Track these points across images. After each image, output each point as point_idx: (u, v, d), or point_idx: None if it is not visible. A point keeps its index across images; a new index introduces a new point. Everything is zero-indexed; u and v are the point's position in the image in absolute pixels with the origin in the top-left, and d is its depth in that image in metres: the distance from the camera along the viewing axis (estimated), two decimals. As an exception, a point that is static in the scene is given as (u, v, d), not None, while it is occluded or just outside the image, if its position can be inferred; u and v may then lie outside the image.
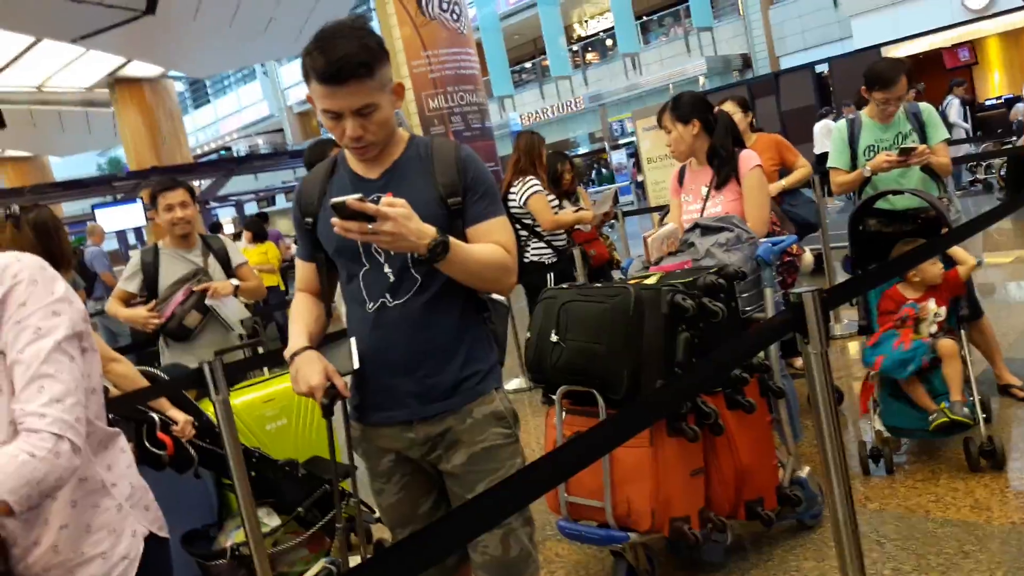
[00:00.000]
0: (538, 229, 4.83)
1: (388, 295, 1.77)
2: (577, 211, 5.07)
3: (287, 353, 1.81)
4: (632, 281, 2.65)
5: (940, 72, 16.86)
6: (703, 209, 3.22)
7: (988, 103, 16.30)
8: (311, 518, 2.97)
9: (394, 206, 1.57)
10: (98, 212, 15.04)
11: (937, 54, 17.86)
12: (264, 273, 8.06)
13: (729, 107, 4.40)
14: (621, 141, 25.26)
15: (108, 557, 1.32)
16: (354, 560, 2.77)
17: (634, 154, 20.32)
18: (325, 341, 1.91)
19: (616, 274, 5.30)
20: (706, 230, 3.00)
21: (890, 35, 17.11)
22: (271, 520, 2.94)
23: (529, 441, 4.23)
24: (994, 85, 18.25)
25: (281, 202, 26.58)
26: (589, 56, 28.61)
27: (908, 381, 3.09)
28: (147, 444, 2.68)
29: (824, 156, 4.51)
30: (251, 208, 22.70)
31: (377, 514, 2.27)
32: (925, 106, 3.70)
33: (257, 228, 9.24)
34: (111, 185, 18.10)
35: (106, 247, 10.59)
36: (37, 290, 1.26)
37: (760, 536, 2.81)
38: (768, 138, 4.73)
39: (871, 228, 3.46)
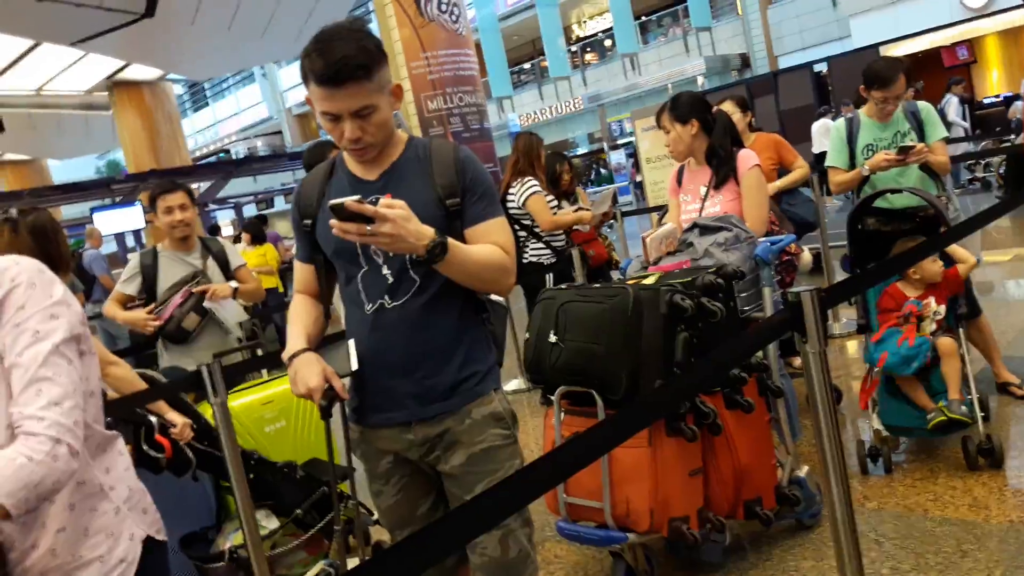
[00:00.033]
0: (537, 230, 4.83)
1: (387, 296, 1.77)
2: (576, 211, 5.07)
3: (285, 355, 1.81)
4: (631, 281, 2.65)
5: (939, 71, 16.87)
6: (702, 209, 3.23)
7: (987, 101, 16.32)
8: (310, 520, 2.97)
9: (393, 207, 1.57)
10: (96, 215, 15.04)
11: (936, 53, 17.87)
12: (263, 275, 8.06)
13: (728, 107, 4.41)
14: (620, 141, 25.27)
15: (106, 560, 1.32)
16: (353, 562, 2.77)
17: (633, 154, 20.34)
18: (324, 343, 1.91)
19: (615, 274, 5.30)
20: (705, 230, 3.00)
21: (889, 34, 17.12)
22: (269, 522, 2.94)
23: (528, 442, 4.23)
24: (993, 83, 18.27)
25: (280, 204, 26.58)
26: (588, 57, 28.63)
27: (906, 380, 3.09)
28: (145, 447, 2.68)
29: (823, 155, 4.50)
30: (250, 210, 22.68)
31: (376, 516, 2.27)
32: (923, 105, 3.71)
33: (256, 230, 9.24)
34: (109, 188, 18.10)
35: (105, 250, 10.59)
36: (35, 293, 1.26)
37: (759, 536, 2.81)
38: (767, 138, 4.73)
39: (870, 227, 3.46)
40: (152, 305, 3.44)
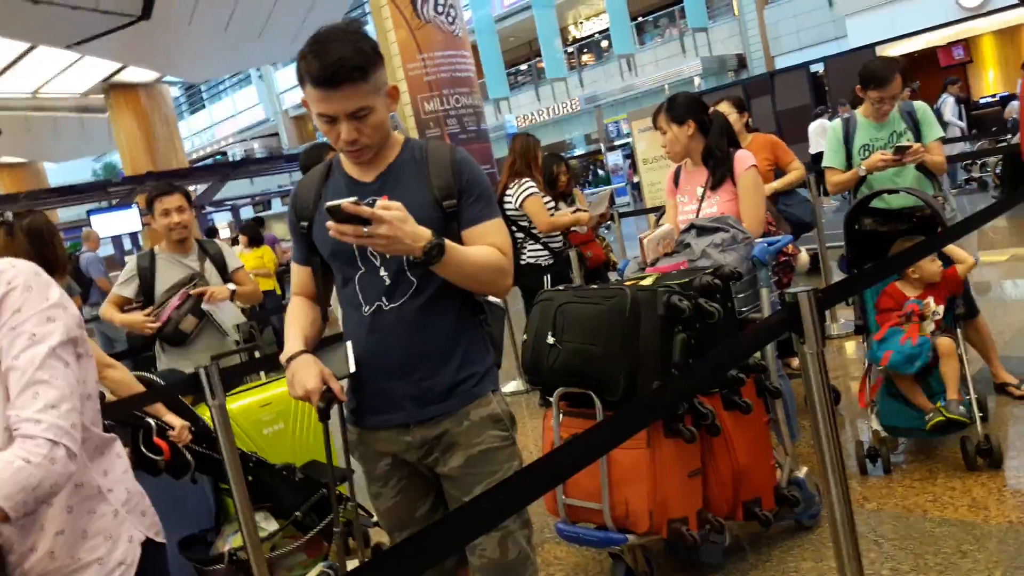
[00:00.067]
0: (534, 231, 4.83)
1: (384, 298, 1.77)
2: (574, 213, 5.07)
3: (283, 357, 1.81)
4: (628, 282, 2.65)
5: (935, 70, 16.90)
6: (699, 210, 3.23)
7: (983, 101, 16.36)
8: (309, 522, 2.96)
9: (389, 209, 1.57)
10: (93, 218, 15.03)
11: (932, 52, 17.91)
12: (260, 277, 8.05)
13: (724, 108, 4.41)
14: (617, 142, 25.29)
15: (104, 563, 1.32)
16: (352, 564, 2.76)
17: (630, 155, 20.36)
18: (321, 345, 1.91)
19: (612, 275, 5.31)
20: (702, 231, 3.00)
21: (885, 34, 17.16)
22: (269, 525, 2.94)
23: (527, 443, 4.23)
24: (989, 83, 18.30)
25: (277, 206, 26.56)
26: (584, 58, 28.65)
27: (904, 380, 3.09)
28: (143, 449, 2.68)
29: (819, 155, 4.51)
30: (247, 212, 22.67)
31: (375, 518, 2.27)
32: (920, 105, 3.71)
33: (253, 232, 9.24)
34: (106, 191, 18.09)
35: (102, 253, 10.57)
36: (31, 296, 1.26)
37: (758, 537, 2.81)
38: (763, 138, 4.74)
39: (867, 227, 3.47)
40: (150, 308, 3.44)
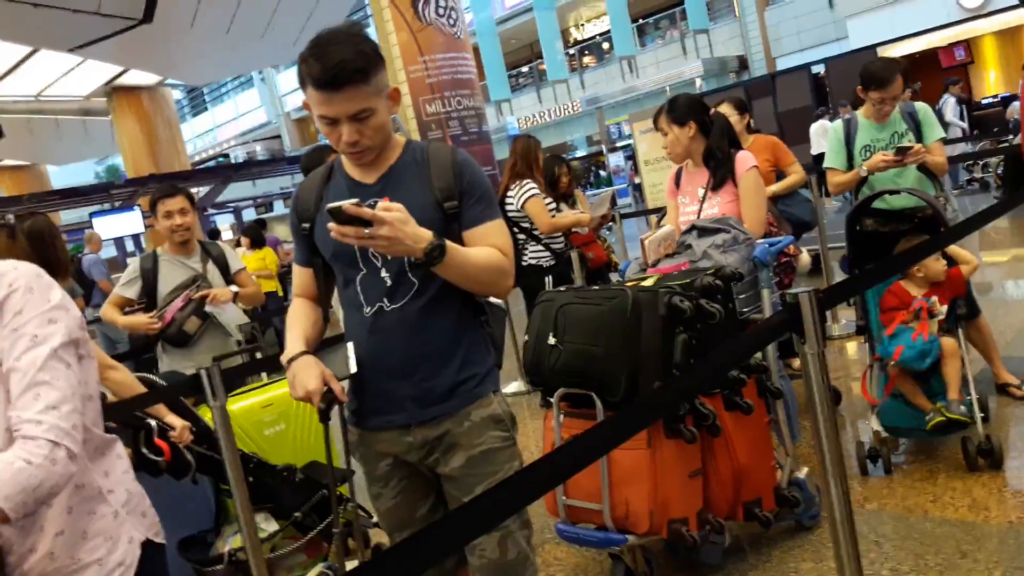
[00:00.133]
0: (536, 232, 4.84)
1: (385, 299, 1.77)
2: (575, 214, 5.07)
3: (284, 358, 1.81)
4: (630, 283, 2.65)
5: (936, 71, 16.91)
6: (700, 211, 3.23)
7: (984, 102, 16.35)
8: (309, 523, 2.96)
9: (390, 210, 1.57)
10: (96, 220, 15.02)
11: (933, 53, 17.91)
12: (262, 279, 8.07)
13: (725, 109, 4.41)
14: (618, 144, 25.31)
15: (104, 564, 1.32)
16: (352, 564, 2.77)
17: (631, 156, 20.36)
18: (322, 346, 1.92)
19: (614, 276, 5.31)
20: (703, 232, 3.00)
21: (886, 35, 17.16)
22: (269, 525, 2.94)
23: (528, 444, 4.23)
24: (990, 84, 18.30)
25: (279, 208, 26.58)
26: (586, 59, 28.67)
27: (905, 380, 3.09)
28: (144, 450, 2.68)
29: (821, 156, 4.51)
30: (249, 214, 22.69)
31: (375, 518, 2.27)
32: (921, 105, 3.71)
33: (255, 234, 9.25)
34: (109, 193, 18.10)
35: (104, 255, 10.59)
36: (33, 298, 1.26)
37: (758, 537, 2.81)
38: (764, 139, 4.74)
39: (868, 228, 3.46)
40: (153, 312, 3.44)
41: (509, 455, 1.82)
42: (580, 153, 29.01)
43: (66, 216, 23.45)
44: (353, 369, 1.79)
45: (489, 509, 1.23)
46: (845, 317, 5.35)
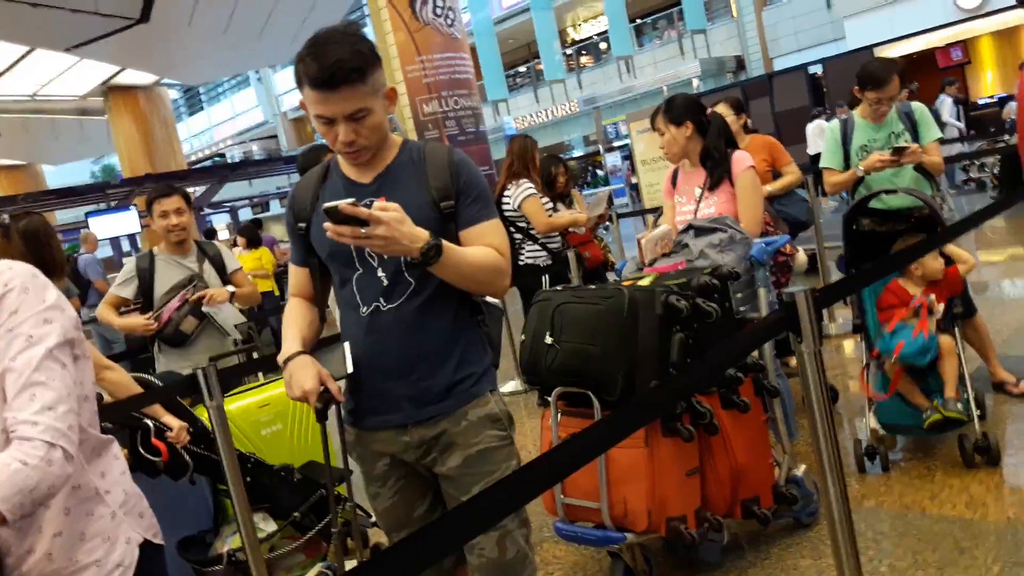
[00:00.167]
0: (532, 232, 4.84)
1: (382, 299, 1.77)
2: (573, 214, 5.07)
3: (281, 358, 1.81)
4: (626, 282, 2.65)
5: (933, 72, 16.92)
6: (696, 210, 3.23)
7: (981, 102, 16.38)
8: (307, 523, 2.96)
9: (387, 210, 1.57)
10: (92, 220, 15.00)
11: (930, 54, 17.93)
12: (258, 278, 8.06)
13: (722, 109, 4.42)
14: (615, 144, 25.33)
15: (103, 565, 1.32)
16: (351, 564, 2.77)
17: (628, 156, 20.37)
18: (319, 346, 1.91)
19: (611, 276, 5.31)
20: (700, 231, 3.01)
21: (883, 35, 17.17)
22: (267, 525, 2.94)
23: (526, 443, 4.23)
24: (987, 84, 18.33)
25: (275, 208, 26.55)
26: (583, 59, 28.67)
27: (902, 378, 3.09)
28: (142, 451, 2.68)
29: (818, 156, 4.52)
30: (245, 214, 22.68)
31: (373, 518, 2.27)
32: (917, 105, 3.72)
33: (251, 234, 9.24)
34: (105, 193, 18.08)
35: (100, 254, 10.56)
36: (28, 298, 1.26)
37: (757, 535, 2.81)
38: (761, 139, 4.74)
39: (865, 227, 3.47)
40: (150, 313, 3.44)
41: (506, 454, 1.82)
42: (577, 153, 29.02)
43: (62, 216, 23.42)
44: (350, 369, 1.79)
45: (487, 508, 1.23)
46: (842, 316, 5.36)
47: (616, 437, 1.57)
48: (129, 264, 3.60)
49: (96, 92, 19.14)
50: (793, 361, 4.12)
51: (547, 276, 4.85)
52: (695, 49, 23.90)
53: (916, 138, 3.59)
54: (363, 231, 1.56)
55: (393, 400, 1.79)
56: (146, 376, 3.03)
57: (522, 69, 29.98)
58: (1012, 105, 12.26)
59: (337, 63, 1.59)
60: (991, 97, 16.45)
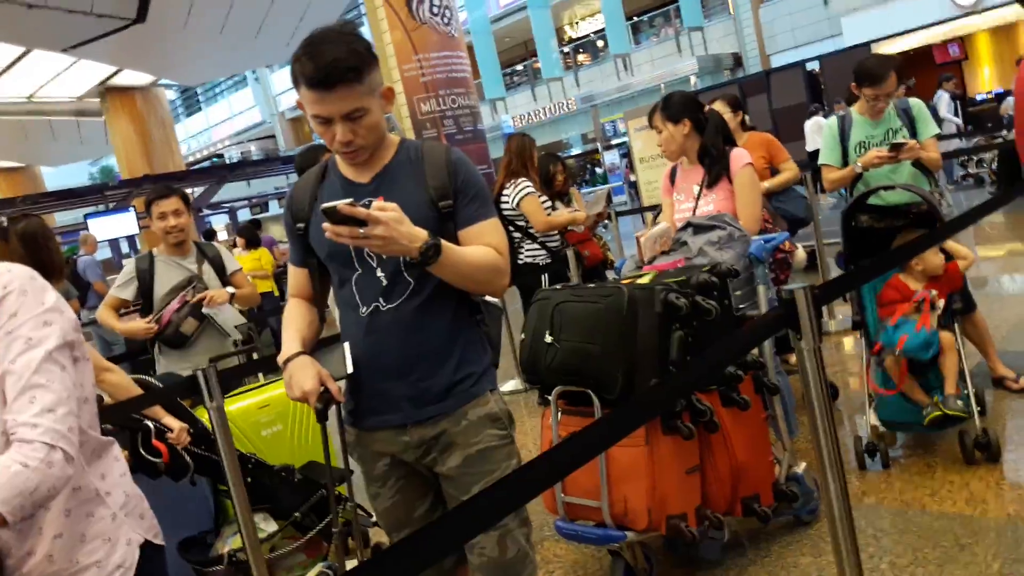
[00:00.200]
0: (531, 231, 4.83)
1: (381, 299, 1.77)
2: (571, 212, 5.07)
3: (280, 359, 1.81)
4: (625, 281, 2.65)
5: (930, 68, 16.96)
6: (695, 208, 3.23)
7: (979, 98, 16.39)
8: (308, 523, 2.96)
9: (385, 210, 1.57)
10: (90, 221, 14.99)
11: (927, 50, 17.96)
12: (258, 279, 8.05)
13: (719, 106, 4.42)
14: (613, 141, 25.32)
15: (103, 566, 1.32)
16: (351, 564, 2.77)
17: (627, 154, 20.37)
18: (319, 346, 1.91)
19: (610, 274, 5.31)
20: (698, 229, 3.01)
21: (880, 32, 17.19)
22: (268, 526, 2.94)
23: (526, 443, 4.23)
24: (984, 80, 18.35)
25: (274, 208, 26.55)
26: (580, 57, 28.66)
27: (902, 375, 3.09)
28: (142, 452, 2.68)
29: (816, 153, 4.53)
30: (244, 215, 22.67)
31: (374, 518, 2.27)
32: (915, 102, 3.72)
33: (250, 234, 9.24)
34: (103, 194, 18.07)
35: (99, 256, 10.56)
36: (27, 300, 1.26)
37: (757, 532, 2.81)
38: (759, 137, 4.74)
39: (863, 224, 3.47)
40: (150, 317, 3.44)
41: (507, 453, 1.82)
42: (575, 151, 29.01)
43: (61, 218, 23.41)
44: (350, 369, 1.79)
45: (488, 507, 1.23)
46: (841, 313, 5.36)
47: (616, 435, 1.57)
48: (128, 265, 3.60)
49: (93, 93, 19.13)
50: (793, 358, 4.12)
51: (546, 275, 4.85)
52: (692, 46, 23.90)
53: (914, 134, 3.60)
54: (361, 231, 1.55)
55: (393, 400, 1.79)
56: (146, 378, 3.02)
57: (519, 67, 29.97)
58: (1010, 100, 12.27)
59: (333, 63, 1.59)
60: (988, 93, 16.48)
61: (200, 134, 43.25)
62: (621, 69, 24.78)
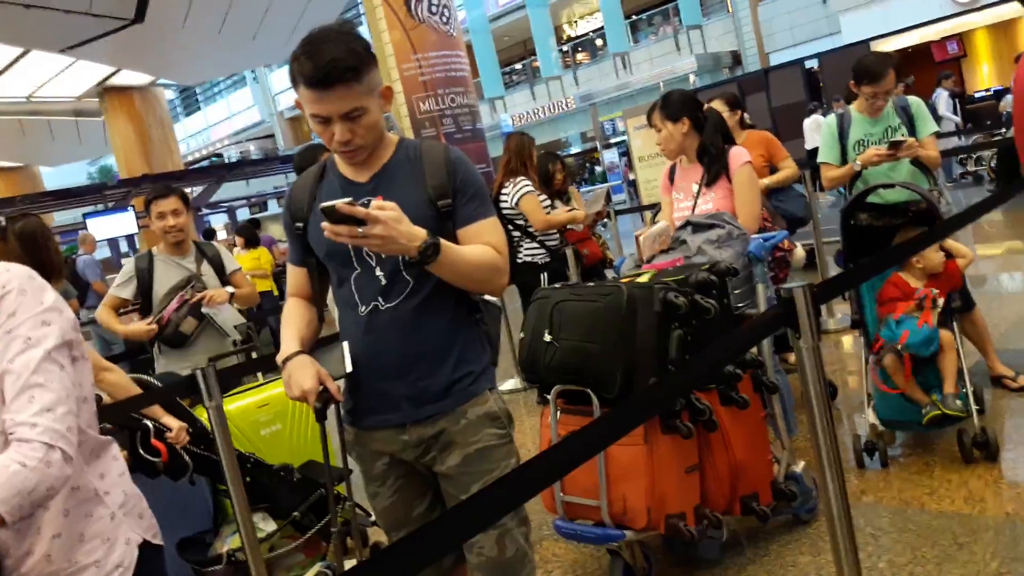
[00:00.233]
0: (531, 230, 4.84)
1: (380, 298, 1.76)
2: (570, 211, 5.07)
3: (279, 358, 1.81)
4: (625, 279, 2.65)
5: (929, 65, 16.95)
6: (694, 206, 3.23)
7: (977, 95, 16.39)
8: (307, 522, 2.96)
9: (384, 209, 1.57)
10: (89, 221, 14.99)
11: (926, 47, 17.96)
12: (257, 278, 8.05)
13: (717, 105, 4.41)
14: (612, 140, 25.32)
15: (102, 565, 1.32)
16: (350, 563, 2.77)
17: (626, 153, 20.37)
18: (318, 345, 1.91)
19: (609, 273, 5.31)
20: (697, 227, 3.01)
21: (879, 29, 17.19)
22: (267, 525, 2.94)
23: (525, 442, 4.23)
24: (983, 77, 18.35)
25: (273, 207, 26.53)
26: (579, 56, 28.64)
27: (906, 374, 3.09)
28: (141, 451, 2.68)
29: (815, 151, 4.53)
30: (243, 214, 22.66)
31: (373, 517, 2.27)
32: (914, 99, 3.72)
33: (249, 234, 9.24)
34: (102, 194, 18.07)
35: (98, 255, 10.56)
36: (26, 300, 1.26)
37: (756, 531, 2.81)
38: (758, 135, 4.74)
39: (862, 222, 3.47)
40: (150, 318, 3.44)
41: (506, 452, 1.82)
42: (574, 150, 29.00)
43: (60, 217, 23.39)
44: (349, 368, 1.79)
45: (486, 507, 1.23)
46: (840, 311, 5.36)
47: (615, 434, 1.57)
48: (128, 265, 3.60)
49: (92, 93, 19.12)
50: (792, 357, 4.12)
51: (545, 273, 4.85)
52: (691, 45, 23.89)
53: (912, 132, 3.60)
54: (360, 230, 1.55)
55: (392, 399, 1.79)
56: (145, 377, 3.02)
57: (518, 66, 29.95)
58: (1009, 98, 12.27)
59: (332, 62, 1.59)
60: (987, 90, 16.47)
61: (199, 134, 43.22)
62: (620, 68, 24.77)
